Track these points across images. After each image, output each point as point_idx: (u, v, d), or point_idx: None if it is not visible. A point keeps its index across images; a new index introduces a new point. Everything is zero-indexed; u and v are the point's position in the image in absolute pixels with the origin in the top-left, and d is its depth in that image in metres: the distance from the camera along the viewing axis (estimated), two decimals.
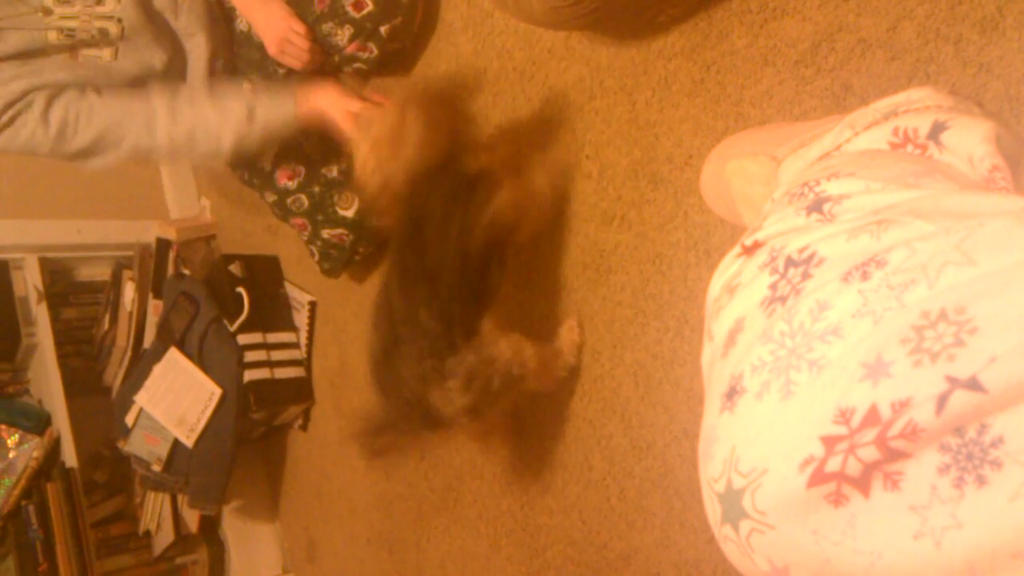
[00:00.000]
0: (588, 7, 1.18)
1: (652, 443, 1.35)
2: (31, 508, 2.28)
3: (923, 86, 0.74)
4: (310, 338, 2.26)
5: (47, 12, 1.58)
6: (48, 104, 1.58)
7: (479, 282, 1.35)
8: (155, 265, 2.48)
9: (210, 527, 2.55)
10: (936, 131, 0.67)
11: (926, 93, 0.73)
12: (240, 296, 2.15)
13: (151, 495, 2.53)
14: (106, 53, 1.65)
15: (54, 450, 2.36)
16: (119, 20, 1.64)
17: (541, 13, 1.21)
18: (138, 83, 1.69)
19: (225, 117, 1.63)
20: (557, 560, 1.54)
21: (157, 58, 1.69)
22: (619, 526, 1.41)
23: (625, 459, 1.40)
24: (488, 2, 1.61)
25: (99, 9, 1.63)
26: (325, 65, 1.75)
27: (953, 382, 0.47)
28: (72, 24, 1.61)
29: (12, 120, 1.57)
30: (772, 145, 0.91)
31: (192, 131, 1.63)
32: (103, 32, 1.63)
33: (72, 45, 1.62)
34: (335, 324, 2.19)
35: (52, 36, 1.59)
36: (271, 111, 1.65)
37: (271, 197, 1.89)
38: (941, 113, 0.68)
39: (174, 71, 1.74)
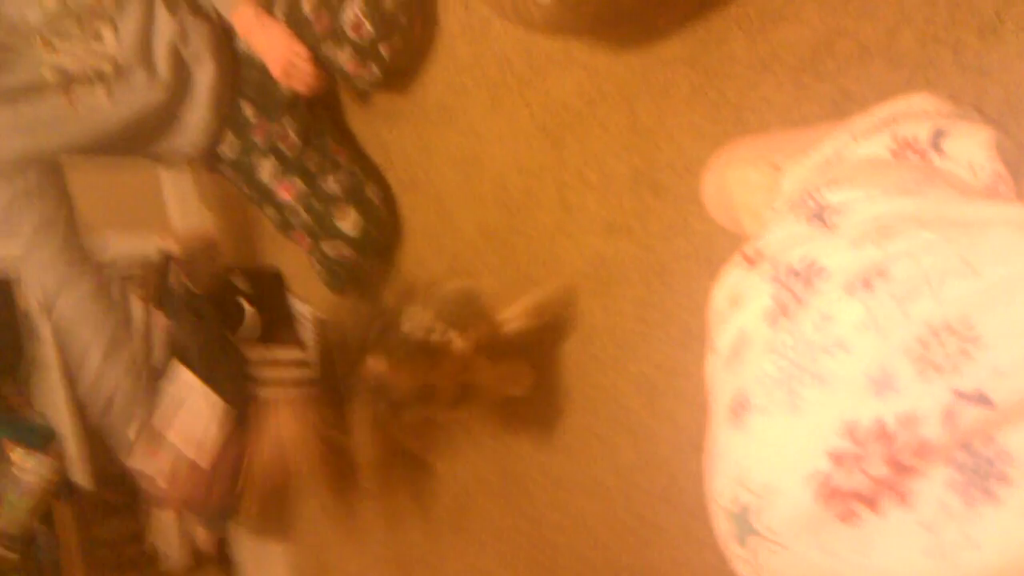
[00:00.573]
0: (587, 12, 1.18)
1: (660, 456, 1.34)
2: (41, 529, 2.28)
3: (922, 92, 0.74)
4: (321, 356, 2.25)
5: (47, 47, 1.57)
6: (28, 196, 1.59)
7: None
8: (157, 278, 2.48)
9: (221, 547, 2.55)
10: (936, 138, 0.66)
11: (926, 99, 0.73)
12: (243, 309, 2.15)
13: (161, 515, 2.52)
14: (100, 92, 1.63)
15: (64, 468, 2.36)
16: (114, 59, 1.63)
17: (540, 19, 1.21)
18: (131, 129, 1.69)
19: None
20: None
21: (154, 97, 1.68)
22: (629, 541, 1.40)
23: (633, 473, 1.39)
24: (487, 8, 1.61)
25: (97, 47, 1.62)
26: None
27: (959, 395, 0.46)
28: (68, 63, 1.59)
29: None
30: (773, 152, 0.90)
31: None
32: (98, 72, 1.62)
33: (66, 83, 1.60)
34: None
35: (47, 74, 1.58)
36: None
37: (270, 211, 1.89)
38: (941, 120, 0.68)
39: (170, 111, 1.73)
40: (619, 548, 1.42)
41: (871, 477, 0.48)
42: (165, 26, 1.68)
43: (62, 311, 1.67)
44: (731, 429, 0.58)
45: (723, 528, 0.58)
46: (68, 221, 1.66)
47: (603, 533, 1.46)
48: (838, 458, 0.50)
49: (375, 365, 1.33)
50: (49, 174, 1.63)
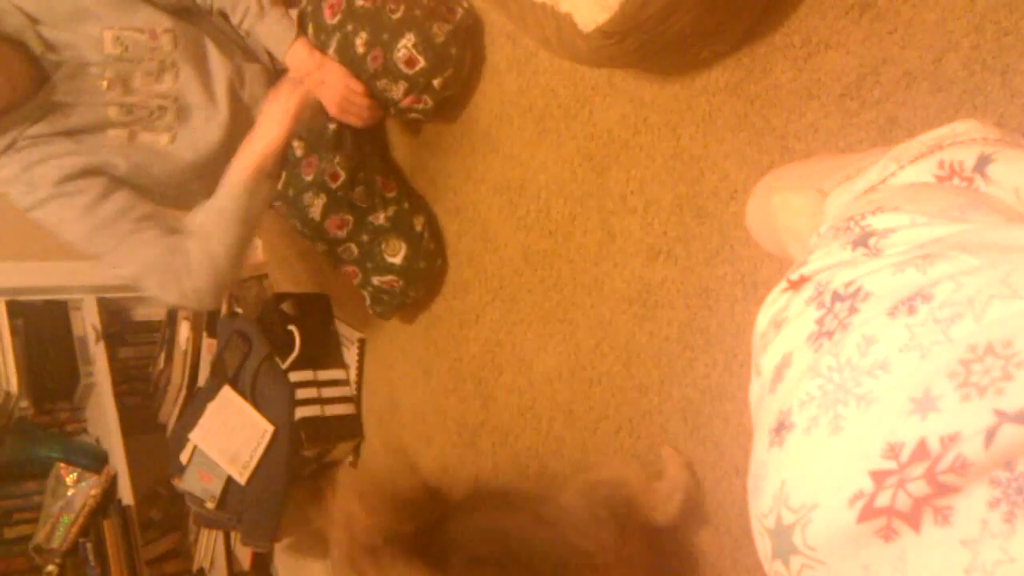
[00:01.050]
0: (632, 45, 1.19)
1: (702, 480, 1.34)
2: (88, 545, 2.33)
3: (969, 119, 0.74)
4: (360, 375, 2.28)
5: (110, 88, 1.62)
6: (103, 196, 1.57)
7: None
8: None
9: (262, 564, 2.57)
10: (982, 164, 0.66)
11: (972, 125, 0.73)
12: (292, 334, 2.19)
13: (205, 532, 2.56)
14: (163, 138, 1.67)
15: (111, 488, 2.42)
16: (175, 99, 1.67)
17: (586, 51, 1.23)
18: (194, 170, 1.71)
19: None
20: None
21: (214, 137, 1.71)
22: (673, 565, 1.40)
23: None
24: (533, 42, 1.64)
25: (157, 87, 1.66)
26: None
27: (1002, 416, 0.46)
28: (131, 100, 1.63)
29: (66, 194, 1.56)
30: (817, 178, 0.91)
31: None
32: (161, 109, 1.66)
33: (131, 122, 1.64)
34: (384, 361, 2.21)
35: (112, 112, 1.63)
36: (234, 199, 1.61)
37: (322, 247, 1.94)
38: (987, 146, 0.68)
39: (231, 150, 1.72)
40: (662, 571, 1.42)
41: (912, 496, 0.48)
42: (221, 70, 1.73)
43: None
44: (774, 449, 0.58)
45: (764, 547, 0.58)
46: (154, 210, 1.65)
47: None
48: (880, 477, 0.50)
49: None
50: (119, 185, 1.63)
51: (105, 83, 1.61)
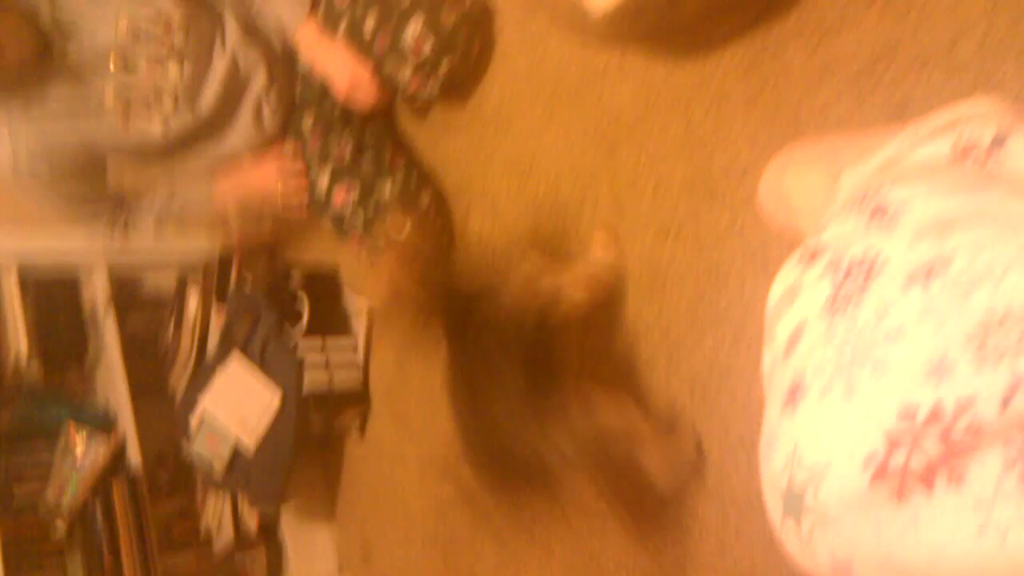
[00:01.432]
0: (644, 25, 1.20)
1: (708, 453, 1.36)
2: (98, 505, 2.36)
3: (986, 96, 0.75)
4: (368, 345, 2.31)
5: (117, 68, 1.65)
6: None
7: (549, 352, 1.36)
8: (218, 274, 2.56)
9: (269, 527, 2.61)
10: (999, 140, 0.67)
11: (988, 103, 0.74)
12: (301, 302, 2.22)
13: (212, 495, 2.60)
14: (157, 126, 1.72)
15: (120, 450, 2.45)
16: (174, 89, 1.71)
17: (598, 30, 1.23)
18: (178, 147, 1.80)
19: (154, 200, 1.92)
20: (611, 566, 1.56)
21: (203, 119, 1.78)
22: (674, 533, 1.42)
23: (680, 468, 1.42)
24: (544, 21, 1.65)
25: (159, 77, 1.69)
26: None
27: (1019, 379, 0.48)
28: (131, 86, 1.67)
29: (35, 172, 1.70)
30: (831, 156, 0.92)
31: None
32: (158, 97, 1.69)
33: (125, 108, 1.68)
34: (392, 331, 2.23)
35: (109, 96, 1.66)
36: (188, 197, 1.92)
37: (327, 222, 1.95)
38: (1004, 121, 0.69)
39: (214, 129, 1.83)
40: (663, 540, 1.45)
41: (926, 456, 0.50)
42: (223, 59, 1.76)
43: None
44: (788, 413, 0.60)
45: (776, 507, 0.60)
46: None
47: (647, 525, 1.48)
48: (895, 439, 0.51)
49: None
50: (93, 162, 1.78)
51: (112, 66, 1.63)
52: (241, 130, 1.84)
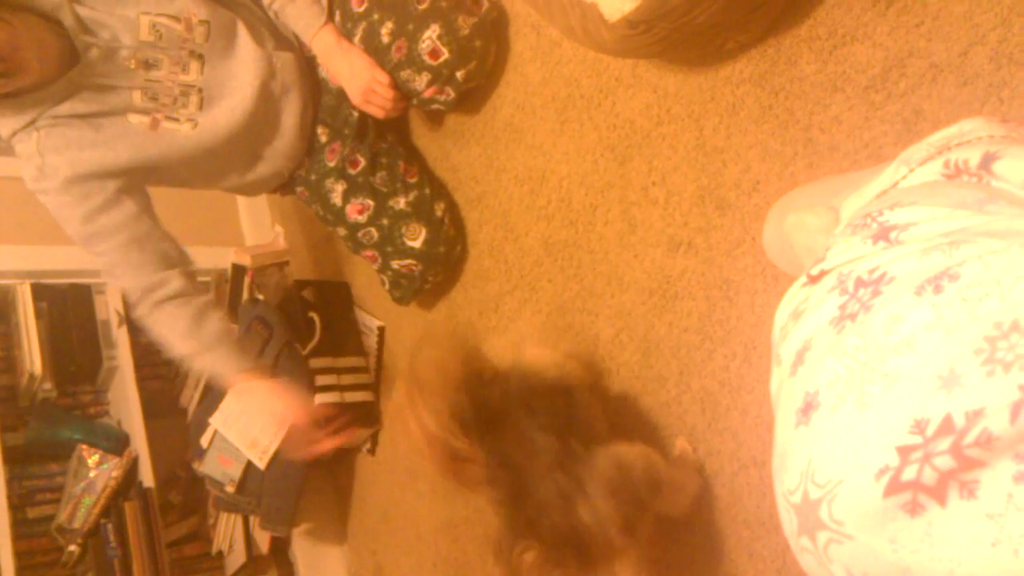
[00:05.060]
0: (657, 35, 1.20)
1: (720, 471, 1.35)
2: (110, 527, 2.36)
3: (975, 116, 0.75)
4: (379, 363, 2.30)
5: (139, 70, 1.65)
6: (106, 206, 1.66)
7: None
8: (231, 290, 2.56)
9: (281, 549, 2.60)
10: (987, 162, 0.68)
11: (978, 124, 0.74)
12: (312, 321, 2.21)
13: (224, 516, 2.59)
14: (185, 127, 1.72)
15: (132, 470, 2.45)
16: (199, 89, 1.71)
17: (611, 41, 1.23)
18: (211, 154, 1.77)
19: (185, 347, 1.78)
20: None
21: (236, 124, 1.76)
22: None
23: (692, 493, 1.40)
24: (557, 32, 1.65)
25: (183, 76, 1.70)
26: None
27: None
28: (157, 86, 1.67)
29: (71, 195, 1.64)
30: (828, 196, 0.92)
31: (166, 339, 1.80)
32: (185, 97, 1.70)
33: (153, 109, 1.69)
34: (403, 348, 2.23)
35: (136, 98, 1.67)
36: (215, 363, 1.80)
37: (342, 231, 1.95)
38: (992, 144, 0.69)
39: (251, 134, 1.81)
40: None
41: (938, 470, 0.49)
42: (252, 61, 1.75)
43: (141, 313, 1.77)
44: (800, 428, 0.59)
45: (790, 524, 0.59)
46: (149, 231, 1.74)
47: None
48: (906, 452, 0.51)
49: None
50: (130, 188, 1.71)
51: (133, 64, 1.64)
52: (285, 131, 1.86)
